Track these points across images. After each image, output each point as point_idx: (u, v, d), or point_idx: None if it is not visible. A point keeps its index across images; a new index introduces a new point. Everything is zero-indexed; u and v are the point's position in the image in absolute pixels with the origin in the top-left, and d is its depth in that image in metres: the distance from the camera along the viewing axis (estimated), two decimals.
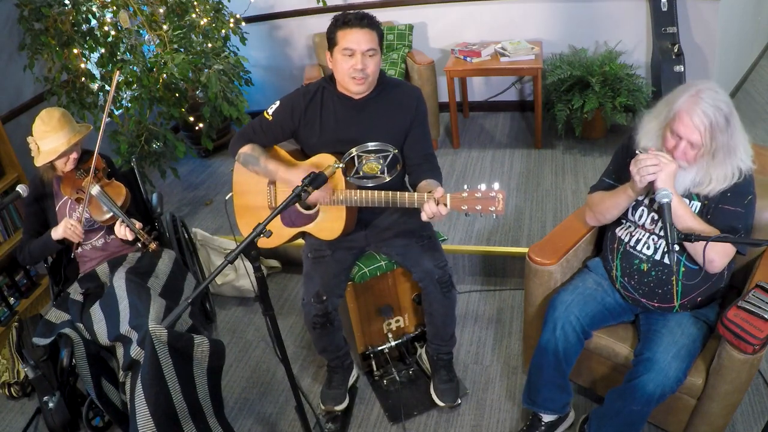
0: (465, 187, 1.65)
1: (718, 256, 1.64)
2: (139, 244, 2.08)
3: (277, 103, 1.96)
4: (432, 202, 1.67)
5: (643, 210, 1.79)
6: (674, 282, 1.73)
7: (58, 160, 2.09)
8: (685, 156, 1.62)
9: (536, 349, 1.87)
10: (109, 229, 2.18)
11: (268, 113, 1.96)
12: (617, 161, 1.90)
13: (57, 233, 2.07)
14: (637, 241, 1.79)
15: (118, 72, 2.26)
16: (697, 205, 1.70)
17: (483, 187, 1.62)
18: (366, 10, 1.84)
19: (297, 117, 1.94)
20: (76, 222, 2.07)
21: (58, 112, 2.06)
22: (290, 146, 2.06)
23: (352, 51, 1.78)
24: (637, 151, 1.69)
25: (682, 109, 1.58)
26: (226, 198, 2.10)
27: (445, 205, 1.67)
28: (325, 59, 1.94)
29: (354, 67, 1.80)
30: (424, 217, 1.71)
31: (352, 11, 1.82)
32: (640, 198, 1.79)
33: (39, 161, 2.08)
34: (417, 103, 1.96)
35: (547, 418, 1.97)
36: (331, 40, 1.84)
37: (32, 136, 2.08)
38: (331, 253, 2.03)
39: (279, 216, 2.04)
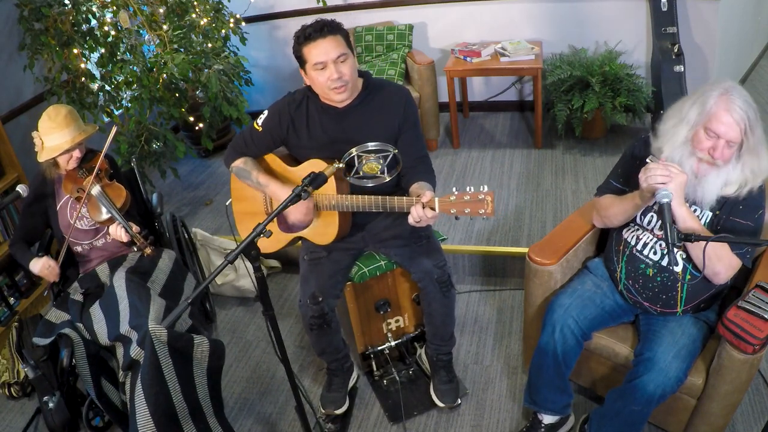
0: (453, 189, 1.63)
1: (723, 268, 1.64)
2: (134, 248, 2.07)
3: (266, 112, 1.96)
4: (419, 206, 1.66)
5: (652, 215, 1.79)
6: (679, 288, 1.73)
7: (61, 157, 2.09)
8: (722, 156, 1.59)
9: (535, 351, 1.88)
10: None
11: (257, 124, 1.96)
12: (625, 165, 1.88)
13: (35, 267, 2.12)
14: (644, 245, 1.79)
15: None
16: (708, 214, 1.70)
17: (471, 189, 1.60)
18: (330, 19, 1.79)
19: (285, 125, 1.93)
20: (54, 263, 2.11)
21: (65, 110, 2.06)
22: (284, 151, 2.06)
23: (324, 63, 1.75)
24: (647, 160, 1.67)
25: (719, 109, 1.57)
26: (227, 204, 2.10)
27: (433, 208, 1.65)
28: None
29: (330, 78, 1.77)
30: (410, 221, 1.69)
31: (309, 24, 1.77)
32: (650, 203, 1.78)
33: (42, 157, 2.08)
34: (405, 104, 1.92)
35: (547, 419, 1.97)
36: (299, 59, 1.81)
37: (37, 131, 2.07)
38: (327, 255, 2.03)
39: (276, 221, 2.04)
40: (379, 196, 1.79)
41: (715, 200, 1.67)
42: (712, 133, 1.58)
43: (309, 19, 1.81)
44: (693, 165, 1.64)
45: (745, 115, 1.55)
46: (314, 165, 1.91)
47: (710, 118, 1.58)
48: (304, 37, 1.76)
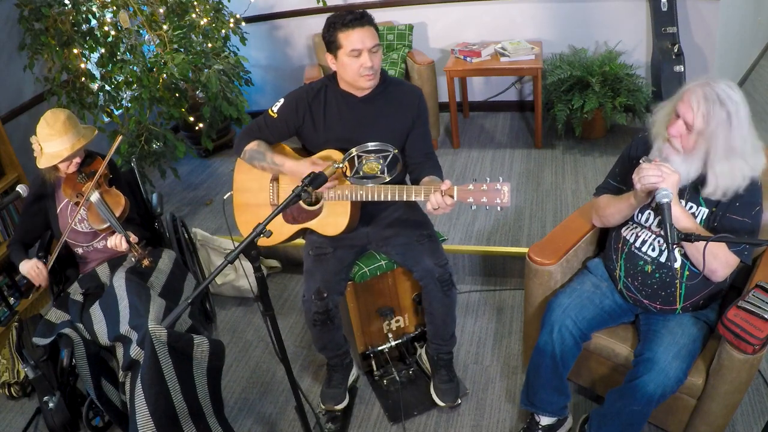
0: (473, 180, 1.68)
1: (720, 266, 1.65)
2: (132, 259, 2.07)
3: (282, 100, 1.98)
4: (438, 194, 1.69)
5: (649, 213, 1.79)
6: (678, 285, 1.73)
7: (60, 163, 2.09)
8: (678, 134, 1.61)
9: (534, 352, 1.88)
10: (111, 231, 2.18)
11: (272, 111, 1.98)
12: (623, 164, 1.90)
13: (23, 267, 2.11)
14: (643, 242, 1.79)
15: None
16: (704, 211, 1.70)
17: (489, 180, 1.65)
18: (364, 9, 1.84)
19: (302, 113, 1.95)
20: (43, 266, 2.10)
21: (64, 115, 2.04)
22: (294, 144, 2.07)
23: (360, 51, 1.80)
24: (641, 161, 1.68)
25: (687, 89, 1.60)
26: (224, 198, 2.10)
27: (452, 196, 1.68)
28: (325, 60, 1.94)
29: (364, 65, 1.81)
30: (428, 207, 1.72)
31: (347, 12, 1.82)
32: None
33: (41, 164, 2.07)
34: (418, 103, 1.98)
35: (544, 420, 1.97)
36: (332, 44, 1.84)
37: (36, 136, 2.06)
38: (333, 251, 2.03)
39: (282, 213, 2.04)
40: (396, 186, 1.81)
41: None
42: (676, 111, 1.62)
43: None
44: (660, 145, 1.69)
45: (708, 104, 1.54)
46: (331, 153, 1.93)
47: (680, 98, 1.62)
48: (343, 23, 1.79)
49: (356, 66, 1.82)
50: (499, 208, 1.65)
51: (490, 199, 1.64)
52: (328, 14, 1.85)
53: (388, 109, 1.94)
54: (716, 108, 1.55)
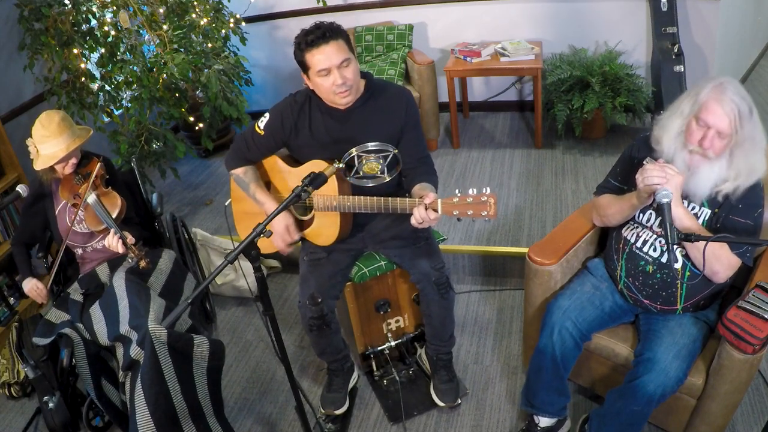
0: (456, 191, 1.64)
1: (722, 268, 1.65)
2: (129, 259, 2.06)
3: (267, 115, 1.95)
4: (422, 208, 1.66)
5: (651, 213, 1.79)
6: (679, 285, 1.73)
7: (57, 164, 2.09)
8: (712, 146, 1.60)
9: (534, 353, 1.88)
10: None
11: (259, 127, 1.95)
12: (624, 164, 1.90)
13: (25, 287, 2.14)
14: (644, 242, 1.79)
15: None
16: (707, 212, 1.70)
17: (474, 191, 1.61)
18: (330, 23, 1.77)
19: (288, 126, 1.92)
20: (43, 287, 2.13)
21: (58, 116, 2.04)
22: (285, 152, 2.06)
23: (328, 69, 1.74)
24: (644, 161, 1.68)
25: (709, 99, 1.58)
26: (226, 204, 2.10)
27: (436, 210, 1.65)
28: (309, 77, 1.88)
29: (335, 83, 1.76)
30: (413, 222, 1.69)
31: (309, 30, 1.75)
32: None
33: (38, 165, 2.07)
34: (406, 106, 1.93)
35: (543, 422, 1.97)
36: (302, 64, 1.79)
37: (31, 138, 2.06)
38: (327, 255, 2.03)
39: None
40: (382, 198, 1.78)
41: (707, 195, 1.68)
42: (703, 122, 1.60)
43: (309, 20, 1.80)
44: (685, 157, 1.66)
45: (735, 107, 1.56)
46: (316, 165, 1.91)
47: (701, 108, 1.60)
48: (306, 43, 1.73)
49: (328, 84, 1.77)
50: (486, 221, 1.63)
51: (475, 212, 1.61)
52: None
53: (374, 118, 1.90)
54: (743, 107, 1.57)
